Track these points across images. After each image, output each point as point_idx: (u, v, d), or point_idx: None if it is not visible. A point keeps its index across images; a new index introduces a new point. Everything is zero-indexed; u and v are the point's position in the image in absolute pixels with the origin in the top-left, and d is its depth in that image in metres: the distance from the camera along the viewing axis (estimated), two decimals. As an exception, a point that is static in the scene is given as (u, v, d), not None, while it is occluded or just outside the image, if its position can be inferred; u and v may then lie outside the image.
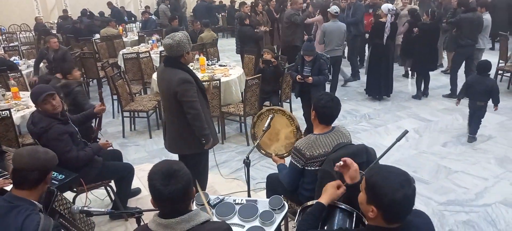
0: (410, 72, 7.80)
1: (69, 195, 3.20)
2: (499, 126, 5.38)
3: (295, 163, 2.56)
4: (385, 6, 6.28)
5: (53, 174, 2.87)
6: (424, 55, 6.44)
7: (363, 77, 7.42)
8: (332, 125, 2.65)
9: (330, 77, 6.32)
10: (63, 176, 2.87)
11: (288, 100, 5.85)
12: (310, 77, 4.95)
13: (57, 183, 2.78)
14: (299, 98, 5.38)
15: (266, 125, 2.93)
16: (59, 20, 12.92)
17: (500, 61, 7.28)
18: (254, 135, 3.17)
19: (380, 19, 6.30)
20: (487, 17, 6.45)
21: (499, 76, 7.21)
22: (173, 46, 2.99)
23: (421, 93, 6.65)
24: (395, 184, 1.51)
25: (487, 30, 6.49)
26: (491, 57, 6.34)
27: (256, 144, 2.99)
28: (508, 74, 7.13)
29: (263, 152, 3.14)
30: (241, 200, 2.49)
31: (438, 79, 7.64)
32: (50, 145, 2.96)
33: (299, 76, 5.02)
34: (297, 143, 2.56)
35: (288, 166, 2.72)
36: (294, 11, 7.22)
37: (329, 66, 5.94)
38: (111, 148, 3.47)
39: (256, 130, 3.15)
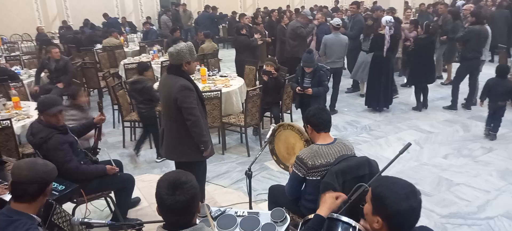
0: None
1: (68, 205, 3.18)
2: (500, 138, 5.37)
3: (297, 172, 2.56)
4: (384, 19, 6.33)
5: (53, 185, 2.85)
6: (420, 68, 6.45)
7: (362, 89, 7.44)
8: (334, 137, 2.65)
9: (331, 88, 6.34)
10: (64, 187, 2.85)
11: (288, 111, 5.85)
12: (309, 89, 4.96)
13: (57, 194, 2.77)
14: (299, 109, 5.38)
15: (268, 136, 2.95)
16: (61, 30, 12.99)
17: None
18: (273, 150, 3.17)
19: (380, 31, 6.34)
20: (487, 29, 6.49)
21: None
22: (173, 54, 3.13)
23: (421, 105, 6.65)
24: (401, 194, 1.52)
25: (488, 42, 6.52)
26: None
27: (261, 149, 2.99)
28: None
29: (282, 166, 3.15)
30: (243, 212, 2.47)
31: (438, 91, 7.65)
32: (50, 155, 2.95)
33: (299, 88, 5.03)
34: (300, 152, 2.56)
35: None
36: (299, 24, 7.22)
37: (329, 78, 5.97)
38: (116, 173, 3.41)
39: (274, 145, 3.16)
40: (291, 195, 2.68)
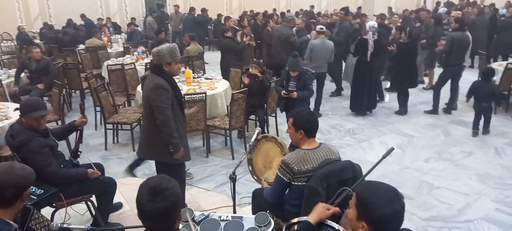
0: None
1: (47, 210, 3.11)
2: (479, 142, 5.50)
3: (282, 176, 2.55)
4: (368, 24, 6.43)
5: (32, 189, 2.78)
6: (402, 73, 6.56)
7: (346, 93, 7.52)
8: (319, 141, 2.66)
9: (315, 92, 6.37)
10: (42, 191, 2.78)
11: (273, 115, 5.86)
12: (295, 93, 4.98)
13: (35, 198, 2.69)
14: (284, 112, 5.38)
15: (252, 139, 2.94)
16: (42, 29, 12.73)
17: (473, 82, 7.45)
18: (250, 160, 3.15)
19: (364, 37, 6.42)
20: (469, 35, 6.63)
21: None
22: (154, 54, 3.21)
23: (404, 109, 6.75)
24: (385, 199, 1.53)
25: (469, 48, 6.67)
26: (471, 75, 6.52)
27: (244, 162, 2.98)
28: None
29: (255, 177, 3.14)
30: (227, 216, 2.45)
31: (420, 96, 7.78)
32: (30, 158, 2.88)
33: (284, 92, 5.05)
34: (286, 157, 2.55)
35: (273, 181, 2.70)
36: (290, 31, 7.15)
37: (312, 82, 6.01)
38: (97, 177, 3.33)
39: (253, 155, 3.15)
40: (274, 199, 2.67)
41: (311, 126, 2.61)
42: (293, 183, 2.53)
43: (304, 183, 2.49)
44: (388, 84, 8.18)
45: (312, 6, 15.57)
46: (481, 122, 5.77)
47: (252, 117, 5.70)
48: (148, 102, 3.18)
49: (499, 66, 7.00)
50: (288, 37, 7.03)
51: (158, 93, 3.12)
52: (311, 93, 5.31)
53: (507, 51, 9.74)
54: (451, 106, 6.76)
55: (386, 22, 9.07)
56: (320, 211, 1.97)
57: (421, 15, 9.59)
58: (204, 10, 13.17)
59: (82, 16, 13.57)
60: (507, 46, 9.53)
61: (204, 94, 4.94)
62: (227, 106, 5.41)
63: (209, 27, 14.91)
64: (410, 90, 6.76)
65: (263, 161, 3.09)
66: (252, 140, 3.02)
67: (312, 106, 6.47)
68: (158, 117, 3.15)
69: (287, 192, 2.65)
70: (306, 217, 2.02)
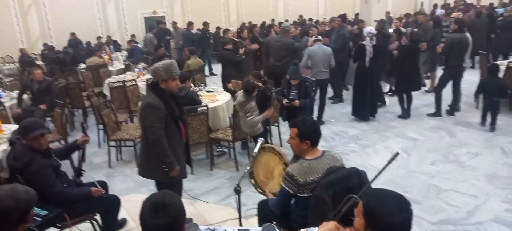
0: (392, 89, 8.00)
1: (52, 230, 3.09)
2: (485, 143, 5.45)
3: (287, 188, 2.51)
4: (365, 30, 6.47)
5: (36, 210, 2.76)
6: (405, 76, 6.54)
7: (347, 99, 7.51)
8: (322, 149, 2.63)
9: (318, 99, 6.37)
10: (47, 212, 2.77)
11: (276, 124, 5.84)
12: (296, 101, 4.97)
13: (40, 219, 2.68)
14: (286, 122, 5.37)
15: (256, 150, 2.91)
16: (43, 51, 12.82)
17: (481, 79, 7.44)
18: (252, 174, 3.13)
19: (362, 42, 6.44)
20: (468, 36, 6.63)
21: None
22: (151, 72, 3.22)
23: (406, 112, 6.72)
24: (394, 207, 1.51)
25: (469, 49, 6.66)
26: (471, 75, 6.49)
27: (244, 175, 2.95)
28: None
29: (259, 190, 3.11)
30: (233, 229, 2.42)
31: (422, 99, 7.75)
32: (32, 179, 2.87)
33: (286, 100, 5.03)
34: (290, 168, 2.51)
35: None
36: (290, 39, 7.24)
37: (315, 89, 6.00)
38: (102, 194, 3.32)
39: (254, 169, 3.12)
40: (280, 211, 2.63)
41: (317, 135, 2.57)
42: (299, 194, 2.49)
43: (310, 194, 2.46)
44: (387, 88, 8.16)
45: (301, 16, 15.72)
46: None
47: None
48: (141, 120, 3.20)
49: (500, 65, 6.97)
50: (291, 44, 7.04)
51: (149, 112, 3.10)
52: (313, 101, 5.31)
53: (507, 50, 9.73)
54: (454, 108, 6.72)
55: (394, 26, 9.13)
56: (330, 228, 1.92)
57: (418, 18, 9.60)
58: (205, 24, 13.26)
59: (72, 35, 13.44)
60: (507, 45, 9.51)
61: (206, 107, 4.94)
62: (229, 118, 5.40)
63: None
64: (413, 93, 6.73)
65: (264, 172, 3.07)
66: (256, 150, 2.99)
67: (315, 114, 6.47)
68: (149, 136, 3.13)
69: (293, 202, 2.62)
70: (313, 227, 1.98)
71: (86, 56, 10.40)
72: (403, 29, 8.35)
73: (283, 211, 2.64)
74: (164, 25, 14.42)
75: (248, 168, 3.08)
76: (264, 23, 14.12)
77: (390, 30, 8.77)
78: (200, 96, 5.88)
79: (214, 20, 16.71)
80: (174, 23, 14.37)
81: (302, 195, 2.49)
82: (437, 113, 6.66)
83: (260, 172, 3.10)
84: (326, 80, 6.68)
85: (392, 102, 7.62)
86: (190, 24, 13.00)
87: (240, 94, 4.93)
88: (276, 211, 2.65)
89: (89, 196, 3.17)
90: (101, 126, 5.75)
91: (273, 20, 16.78)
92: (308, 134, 2.53)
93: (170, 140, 3.17)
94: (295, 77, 5.02)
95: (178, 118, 3.25)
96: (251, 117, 4.78)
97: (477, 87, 6.01)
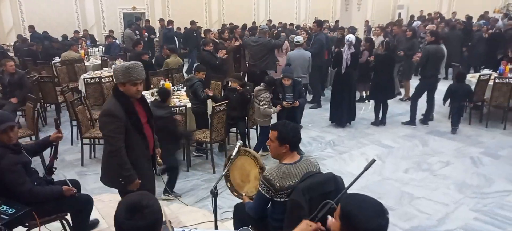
0: (364, 96, 8.22)
1: (20, 229, 2.97)
2: (456, 152, 5.62)
3: (264, 192, 2.50)
4: (346, 37, 6.61)
5: (3, 208, 2.66)
6: (381, 84, 6.68)
7: (325, 105, 7.60)
8: (300, 154, 2.63)
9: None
10: (14, 210, 2.66)
11: (254, 127, 5.83)
12: (296, 102, 5.17)
13: (7, 218, 2.57)
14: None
15: (234, 153, 2.88)
16: (16, 42, 12.37)
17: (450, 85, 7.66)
18: (227, 177, 3.10)
19: (340, 49, 6.57)
20: (443, 48, 6.82)
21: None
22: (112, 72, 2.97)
23: (379, 120, 6.85)
24: (371, 213, 1.52)
25: (444, 60, 6.86)
26: (446, 86, 6.68)
27: (222, 177, 2.93)
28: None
29: (235, 193, 3.08)
30: (208, 232, 2.40)
31: (397, 107, 7.93)
32: (2, 176, 2.76)
33: (287, 102, 5.10)
34: (267, 172, 2.49)
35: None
36: (268, 38, 7.41)
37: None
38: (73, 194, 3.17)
39: (230, 172, 3.09)
40: (256, 214, 2.61)
41: (297, 140, 2.56)
42: (275, 199, 2.49)
43: (286, 199, 2.45)
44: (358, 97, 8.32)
45: (270, 20, 15.97)
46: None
47: (233, 129, 5.66)
48: None
49: (472, 77, 7.22)
50: (268, 43, 7.23)
51: (106, 121, 2.85)
52: (305, 101, 5.43)
53: (478, 63, 10.11)
54: (427, 117, 6.90)
55: (374, 35, 9.37)
56: (304, 228, 1.93)
57: (393, 29, 9.82)
58: (192, 23, 13.12)
59: (30, 27, 12.52)
60: (478, 59, 9.87)
61: (184, 107, 4.88)
62: (207, 119, 5.36)
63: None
64: (388, 101, 6.88)
65: (240, 175, 3.04)
66: (234, 153, 2.97)
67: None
68: (106, 146, 2.93)
69: (270, 206, 2.61)
70: None
71: (60, 50, 10.11)
72: (380, 39, 8.57)
73: (259, 215, 2.63)
74: (148, 22, 14.10)
75: (225, 170, 3.04)
76: (245, 25, 14.10)
77: (374, 38, 8.96)
78: (179, 97, 5.83)
79: (195, 19, 16.60)
80: (161, 20, 14.15)
81: (278, 200, 2.48)
82: (412, 122, 6.82)
83: (236, 175, 3.08)
84: (305, 84, 6.78)
85: (369, 109, 7.75)
86: (169, 22, 12.84)
87: (261, 85, 5.27)
88: (252, 215, 2.64)
89: (60, 195, 3.06)
90: (74, 123, 5.60)
91: (254, 22, 16.81)
92: (288, 138, 2.51)
93: (131, 150, 2.93)
94: (289, 76, 5.15)
95: (142, 126, 2.96)
96: (264, 106, 5.09)
97: (446, 92, 6.48)
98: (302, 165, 2.53)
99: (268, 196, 2.48)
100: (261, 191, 2.51)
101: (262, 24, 9.12)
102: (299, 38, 6.93)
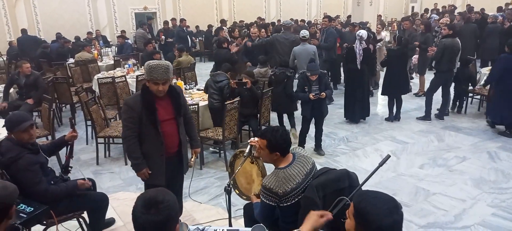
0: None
1: (38, 228, 3.03)
2: (472, 147, 5.51)
3: (268, 202, 2.45)
4: (357, 33, 6.54)
5: (21, 206, 2.71)
6: (394, 79, 6.60)
7: (339, 100, 7.55)
8: (292, 153, 2.58)
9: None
10: (32, 209, 2.71)
11: (267, 124, 5.82)
12: (323, 93, 5.11)
13: (25, 216, 2.62)
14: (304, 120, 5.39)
15: (246, 152, 2.84)
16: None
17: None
18: (235, 184, 3.08)
19: (352, 45, 6.52)
20: (459, 42, 6.69)
21: (469, 99, 7.42)
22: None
23: (393, 116, 6.77)
24: (384, 210, 1.50)
25: (459, 54, 6.73)
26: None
27: (231, 181, 2.92)
28: (478, 97, 7.38)
29: (244, 197, 3.07)
30: (223, 229, 2.40)
31: (412, 102, 7.82)
32: (19, 175, 2.82)
33: (313, 95, 5.06)
34: (266, 182, 2.43)
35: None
36: (294, 36, 7.46)
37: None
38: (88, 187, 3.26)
39: (236, 178, 3.08)
40: (266, 222, 2.53)
41: (287, 146, 2.51)
42: (281, 205, 2.45)
43: (293, 202, 2.42)
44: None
45: (261, 18, 16.10)
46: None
47: (246, 127, 5.67)
48: None
49: (487, 70, 7.08)
50: (296, 39, 7.23)
51: (123, 109, 3.11)
52: (332, 91, 5.63)
53: (492, 56, 9.88)
54: (443, 112, 6.79)
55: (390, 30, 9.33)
56: (313, 219, 1.92)
57: (404, 24, 9.66)
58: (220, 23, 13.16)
59: (23, 31, 12.37)
60: (492, 52, 9.65)
61: (196, 106, 4.90)
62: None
63: (200, 38, 14.89)
64: (403, 96, 6.79)
65: (244, 177, 3.03)
66: (246, 151, 2.93)
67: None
68: (122, 133, 3.17)
69: (279, 211, 2.58)
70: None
71: (72, 51, 10.24)
72: (382, 34, 8.51)
73: (268, 221, 2.56)
74: (166, 25, 13.83)
75: (231, 182, 2.97)
76: (256, 23, 14.08)
77: (384, 33, 8.88)
78: (191, 96, 5.86)
79: (205, 18, 16.67)
80: (173, 20, 14.20)
81: (285, 205, 2.44)
82: (427, 117, 6.72)
83: (242, 179, 3.07)
84: None
85: (383, 105, 7.67)
86: (183, 21, 12.86)
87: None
88: (261, 222, 2.60)
89: (76, 190, 3.11)
90: (89, 122, 5.67)
91: (263, 19, 16.78)
92: (279, 145, 2.48)
93: (143, 141, 3.08)
94: (315, 72, 5.11)
95: (157, 121, 3.02)
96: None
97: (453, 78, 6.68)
98: (298, 164, 2.49)
99: (273, 204, 2.45)
100: (265, 201, 2.47)
101: (286, 20, 9.23)
102: (305, 33, 6.89)
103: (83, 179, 3.24)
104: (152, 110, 3.02)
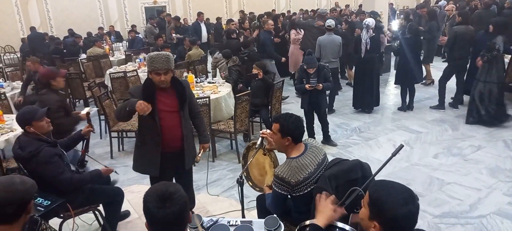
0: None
1: (55, 220, 3.09)
2: (488, 136, 5.43)
3: (280, 191, 2.46)
4: (364, 21, 6.47)
5: (39, 200, 2.76)
6: (407, 68, 6.51)
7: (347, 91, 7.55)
8: (304, 143, 2.58)
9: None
10: (49, 202, 2.76)
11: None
12: (319, 84, 5.03)
13: (43, 209, 2.67)
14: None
15: (258, 143, 2.85)
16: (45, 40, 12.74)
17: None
18: (248, 176, 3.09)
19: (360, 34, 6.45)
20: (472, 29, 6.55)
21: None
22: None
23: (406, 105, 6.69)
24: (400, 199, 1.49)
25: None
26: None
27: (243, 171, 2.93)
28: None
29: (257, 189, 3.08)
30: (236, 221, 2.42)
31: (425, 91, 7.72)
32: (40, 169, 2.85)
33: (309, 85, 5.03)
34: (278, 171, 2.44)
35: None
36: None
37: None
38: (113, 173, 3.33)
39: (249, 171, 3.08)
40: (277, 212, 2.56)
41: (300, 132, 2.53)
42: (293, 194, 2.46)
43: (306, 191, 2.43)
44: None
45: (273, 10, 15.89)
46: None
47: (257, 119, 5.67)
48: None
49: (505, 58, 6.92)
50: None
51: (129, 95, 3.21)
52: (332, 85, 5.42)
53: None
54: (457, 101, 6.69)
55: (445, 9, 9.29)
56: (328, 214, 1.92)
57: (421, 12, 9.53)
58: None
59: (32, 29, 12.61)
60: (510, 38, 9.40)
61: (207, 99, 4.92)
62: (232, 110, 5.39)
63: (211, 31, 14.85)
64: (415, 86, 6.70)
65: (257, 169, 3.04)
66: (258, 143, 2.93)
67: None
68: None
69: (291, 202, 2.59)
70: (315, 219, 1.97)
71: (84, 46, 10.35)
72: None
73: (280, 212, 2.58)
74: (177, 21, 13.71)
75: (245, 174, 2.99)
76: (269, 13, 14.00)
77: (395, 22, 8.75)
78: (202, 88, 5.88)
79: (215, 10, 16.65)
80: (185, 20, 14.22)
81: (297, 194, 2.45)
82: (440, 106, 6.63)
83: (255, 171, 3.08)
84: (336, 69, 6.85)
85: (395, 95, 7.59)
86: (199, 14, 12.64)
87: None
88: (273, 213, 2.62)
89: (100, 177, 3.14)
90: (102, 117, 5.74)
91: (274, 10, 16.68)
92: (290, 130, 2.48)
93: (140, 130, 3.26)
94: (312, 66, 5.06)
95: (156, 112, 3.00)
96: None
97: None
98: (310, 154, 2.50)
99: (285, 193, 2.46)
100: (277, 190, 2.48)
101: (321, 8, 9.29)
102: (331, 22, 6.78)
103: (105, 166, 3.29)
104: (152, 100, 2.98)
